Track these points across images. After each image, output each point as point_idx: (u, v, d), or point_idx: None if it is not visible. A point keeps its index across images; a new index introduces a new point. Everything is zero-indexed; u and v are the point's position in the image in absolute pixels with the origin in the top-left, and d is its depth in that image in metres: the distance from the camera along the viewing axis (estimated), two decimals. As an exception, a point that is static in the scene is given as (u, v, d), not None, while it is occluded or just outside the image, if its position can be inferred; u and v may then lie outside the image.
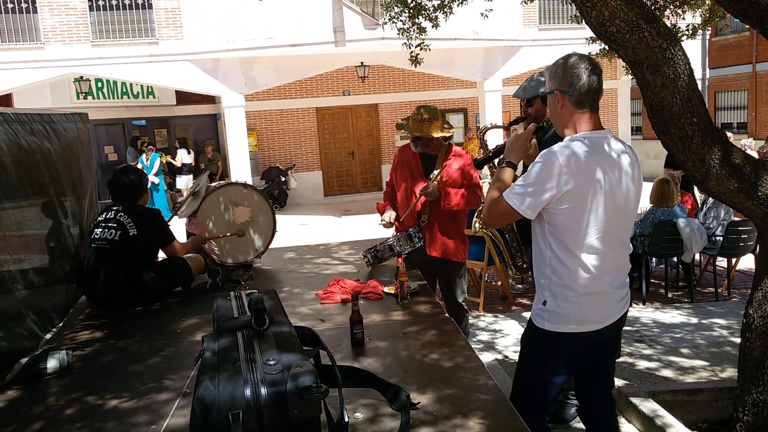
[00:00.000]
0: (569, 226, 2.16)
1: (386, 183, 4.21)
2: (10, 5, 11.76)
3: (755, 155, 12.24)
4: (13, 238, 2.87)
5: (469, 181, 3.82)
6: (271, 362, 1.47)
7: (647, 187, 6.18)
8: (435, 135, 3.73)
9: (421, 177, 3.84)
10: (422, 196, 3.71)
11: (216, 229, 3.82)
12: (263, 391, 1.41)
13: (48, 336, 2.90)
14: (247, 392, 1.41)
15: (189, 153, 14.69)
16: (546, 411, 2.42)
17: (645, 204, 7.09)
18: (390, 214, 3.91)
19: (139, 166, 12.51)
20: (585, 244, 2.17)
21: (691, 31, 7.33)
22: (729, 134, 14.15)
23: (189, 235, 3.90)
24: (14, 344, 2.58)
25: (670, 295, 6.50)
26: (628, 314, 5.78)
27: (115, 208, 3.40)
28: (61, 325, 3.07)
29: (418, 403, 1.98)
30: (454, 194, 3.72)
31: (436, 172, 3.78)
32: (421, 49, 6.78)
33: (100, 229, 3.32)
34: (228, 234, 3.81)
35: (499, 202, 2.22)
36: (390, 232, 4.10)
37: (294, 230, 11.72)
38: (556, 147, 2.15)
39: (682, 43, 2.65)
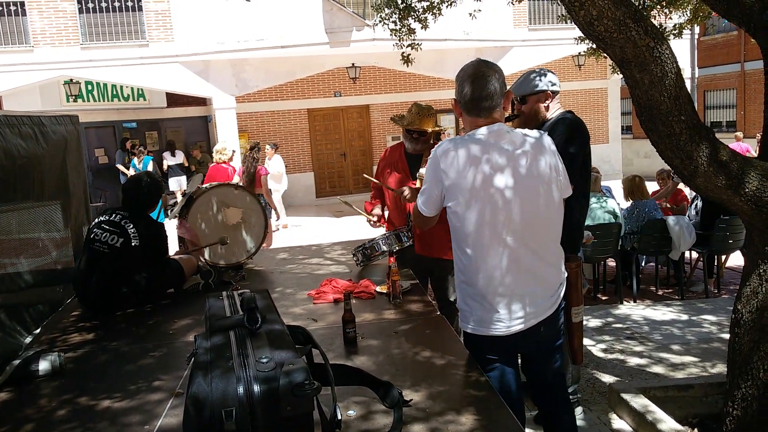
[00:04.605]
0: (459, 222, 2.15)
1: (372, 187, 4.23)
2: (-2, 8, 11.70)
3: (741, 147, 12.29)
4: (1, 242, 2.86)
5: None
6: (264, 360, 1.48)
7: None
8: (429, 129, 3.82)
9: (408, 177, 3.86)
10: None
11: (207, 230, 3.81)
12: (256, 388, 1.41)
13: (28, 339, 2.87)
14: (240, 390, 1.41)
15: (173, 155, 14.59)
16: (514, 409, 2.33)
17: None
18: (377, 211, 4.02)
19: (132, 170, 12.41)
20: (476, 242, 2.12)
21: (677, 31, 7.40)
22: (739, 134, 14.06)
23: (180, 239, 3.88)
24: (2, 347, 2.57)
25: (660, 292, 6.55)
26: (619, 311, 5.75)
27: (121, 212, 3.32)
28: (39, 330, 3.03)
29: (411, 400, 1.98)
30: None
31: (422, 170, 3.81)
32: (412, 48, 6.80)
33: (101, 231, 3.25)
34: (211, 243, 3.77)
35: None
36: (382, 230, 4.12)
37: (286, 231, 11.70)
38: (438, 146, 2.19)
39: (670, 43, 2.68)
